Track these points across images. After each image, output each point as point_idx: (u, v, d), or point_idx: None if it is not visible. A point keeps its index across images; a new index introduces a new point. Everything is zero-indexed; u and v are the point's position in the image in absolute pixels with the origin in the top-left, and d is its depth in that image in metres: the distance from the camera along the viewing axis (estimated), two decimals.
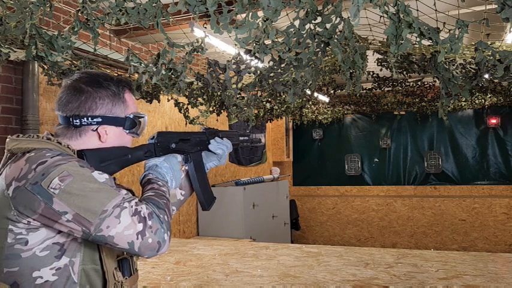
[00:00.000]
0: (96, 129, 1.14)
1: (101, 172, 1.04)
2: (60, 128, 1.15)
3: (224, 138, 1.45)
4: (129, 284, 1.14)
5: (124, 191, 1.05)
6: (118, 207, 0.98)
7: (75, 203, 0.96)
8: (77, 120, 1.11)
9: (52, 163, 0.99)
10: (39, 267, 0.99)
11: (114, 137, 1.16)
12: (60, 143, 1.08)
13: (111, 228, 0.97)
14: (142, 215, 1.00)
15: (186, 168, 1.40)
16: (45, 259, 1.00)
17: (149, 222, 1.00)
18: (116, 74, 3.25)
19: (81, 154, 1.10)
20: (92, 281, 1.05)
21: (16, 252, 0.99)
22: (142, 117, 1.22)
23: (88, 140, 1.14)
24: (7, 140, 1.08)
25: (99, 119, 1.13)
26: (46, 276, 1.00)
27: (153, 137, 1.29)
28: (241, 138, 1.57)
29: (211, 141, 1.42)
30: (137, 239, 0.98)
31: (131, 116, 1.19)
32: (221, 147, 1.42)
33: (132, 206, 1.00)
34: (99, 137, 1.14)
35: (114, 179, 1.13)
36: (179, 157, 1.32)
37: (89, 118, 1.12)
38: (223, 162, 1.46)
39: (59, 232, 1.01)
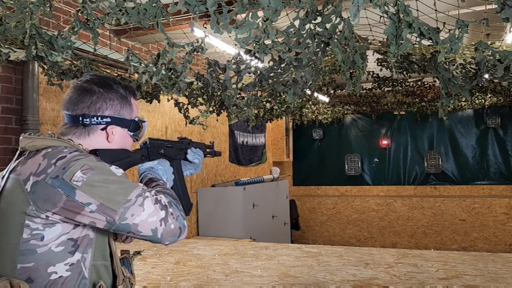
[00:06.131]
0: (105, 128, 1.18)
1: (117, 167, 1.09)
2: (66, 127, 1.18)
3: (197, 149, 1.53)
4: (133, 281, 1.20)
5: (141, 184, 1.10)
6: (140, 197, 1.03)
7: (99, 194, 1.00)
8: (87, 119, 1.15)
9: (72, 158, 1.03)
10: (54, 262, 1.02)
11: (119, 138, 1.21)
12: (72, 141, 1.12)
13: (135, 216, 1.02)
14: (163, 203, 1.06)
15: None
16: (60, 255, 1.02)
17: (170, 210, 1.06)
18: (116, 74, 3.25)
19: (95, 153, 1.15)
20: (101, 276, 1.08)
21: (32, 247, 1.00)
22: (144, 122, 1.28)
23: (96, 139, 1.18)
24: (20, 138, 1.11)
25: (108, 119, 1.18)
26: (60, 272, 1.02)
27: (145, 142, 1.36)
28: (207, 150, 1.63)
29: (188, 150, 1.49)
30: (160, 225, 1.04)
31: (136, 119, 1.25)
32: (197, 157, 1.50)
33: (153, 195, 1.06)
34: (107, 137, 1.19)
35: None
36: (168, 162, 1.39)
37: (99, 118, 1.16)
38: (199, 171, 1.55)
39: (74, 228, 1.03)
